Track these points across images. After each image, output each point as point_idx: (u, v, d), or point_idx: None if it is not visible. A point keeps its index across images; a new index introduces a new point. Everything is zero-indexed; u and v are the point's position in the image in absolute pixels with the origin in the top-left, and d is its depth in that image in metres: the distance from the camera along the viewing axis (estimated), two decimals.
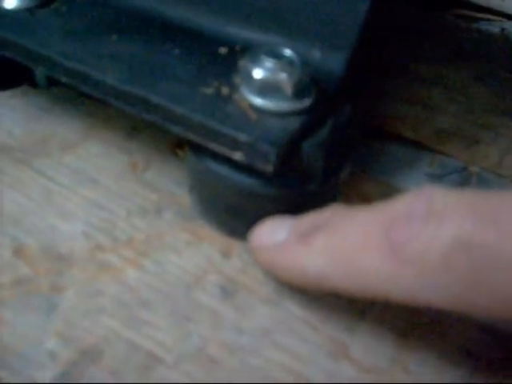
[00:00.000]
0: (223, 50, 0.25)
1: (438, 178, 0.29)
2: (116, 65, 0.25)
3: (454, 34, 0.36)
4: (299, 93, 0.22)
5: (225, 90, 0.23)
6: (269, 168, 0.21)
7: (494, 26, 0.37)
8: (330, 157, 0.23)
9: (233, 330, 0.22)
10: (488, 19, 0.37)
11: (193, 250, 0.24)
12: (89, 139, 0.29)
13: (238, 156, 0.22)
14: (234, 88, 0.23)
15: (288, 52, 0.23)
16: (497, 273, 0.17)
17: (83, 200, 0.26)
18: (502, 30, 0.37)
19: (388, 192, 0.27)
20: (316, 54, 0.24)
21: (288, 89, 0.22)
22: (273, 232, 0.22)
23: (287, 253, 0.21)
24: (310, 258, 0.20)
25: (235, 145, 0.22)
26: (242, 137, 0.21)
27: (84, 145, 0.29)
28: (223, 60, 0.25)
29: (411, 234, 0.18)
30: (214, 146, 0.22)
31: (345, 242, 0.20)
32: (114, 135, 0.29)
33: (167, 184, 0.27)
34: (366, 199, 0.27)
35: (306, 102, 0.23)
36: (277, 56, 0.22)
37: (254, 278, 0.24)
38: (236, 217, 0.24)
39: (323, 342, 0.22)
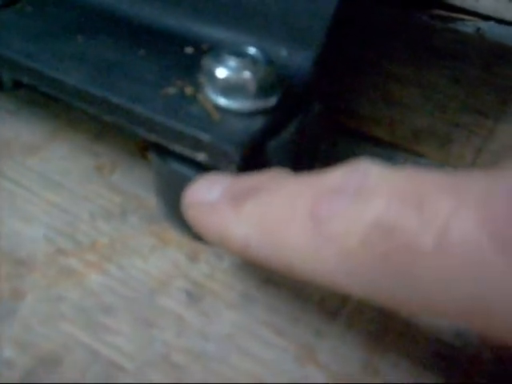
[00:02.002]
0: (189, 50, 0.25)
1: None
2: (79, 65, 0.24)
3: (429, 33, 0.36)
4: (264, 92, 0.22)
5: (188, 90, 0.23)
6: (233, 169, 0.21)
7: (469, 26, 0.37)
8: (297, 156, 0.22)
9: (198, 336, 0.21)
10: (463, 19, 0.37)
11: (158, 255, 0.24)
12: (54, 142, 0.28)
13: (201, 157, 0.21)
14: (198, 88, 0.23)
15: (252, 50, 0.22)
16: (414, 264, 0.15)
17: (46, 203, 0.25)
18: (477, 29, 0.36)
19: None
20: (283, 53, 0.24)
21: (252, 88, 0.22)
22: (207, 189, 0.21)
23: (215, 214, 0.20)
24: (236, 223, 0.19)
25: (198, 145, 0.21)
26: (205, 137, 0.21)
27: (49, 147, 0.28)
28: (188, 60, 0.24)
29: (336, 210, 0.16)
30: (176, 147, 0.22)
31: (272, 211, 0.18)
32: (81, 138, 0.28)
33: (134, 187, 0.26)
34: None
35: (271, 101, 0.22)
36: (240, 54, 0.22)
37: (221, 283, 0.23)
38: None
39: (290, 347, 0.21)
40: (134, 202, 0.26)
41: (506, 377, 0.21)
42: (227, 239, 0.19)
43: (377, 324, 0.22)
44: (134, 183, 0.26)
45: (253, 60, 0.22)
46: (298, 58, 0.24)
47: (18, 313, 0.22)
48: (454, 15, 0.36)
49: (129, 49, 0.25)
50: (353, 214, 0.16)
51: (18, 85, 0.30)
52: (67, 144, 0.28)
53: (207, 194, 0.20)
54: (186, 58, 0.24)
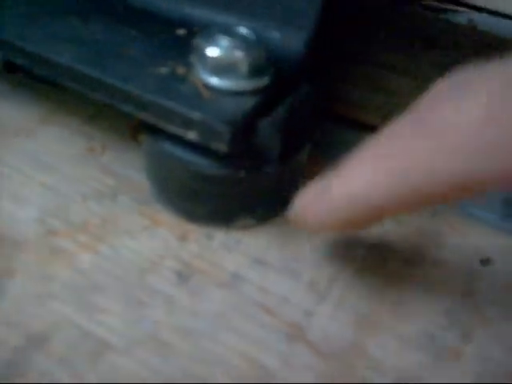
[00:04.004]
0: (181, 32, 0.25)
1: None
2: (72, 46, 0.24)
3: (421, 24, 0.36)
4: (255, 72, 0.22)
5: (180, 70, 0.23)
6: (223, 147, 0.21)
7: (462, 17, 0.37)
8: (288, 137, 0.22)
9: (187, 314, 0.21)
10: (456, 10, 0.37)
11: (149, 235, 0.24)
12: (47, 124, 0.28)
13: (191, 135, 0.21)
14: (189, 67, 0.23)
15: (244, 30, 0.22)
16: None
17: (38, 185, 0.25)
18: (470, 20, 0.36)
19: None
20: (275, 35, 0.24)
21: (243, 67, 0.22)
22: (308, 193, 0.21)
23: (325, 193, 0.20)
24: (349, 181, 0.19)
25: (189, 124, 0.21)
26: (196, 115, 0.21)
27: (42, 130, 0.28)
28: (181, 41, 0.24)
29: (443, 109, 0.18)
30: (167, 126, 0.22)
31: (380, 150, 0.19)
32: (73, 120, 0.28)
33: (125, 168, 0.26)
34: None
35: (263, 81, 0.22)
36: (232, 34, 0.22)
37: (211, 263, 0.23)
38: (193, 200, 0.23)
39: (279, 325, 0.21)
40: (126, 183, 0.26)
41: (495, 358, 0.21)
42: (351, 199, 0.19)
43: (365, 305, 0.22)
44: (126, 165, 0.26)
45: (244, 40, 0.22)
46: (291, 40, 0.24)
47: (9, 292, 0.22)
48: (447, 6, 0.36)
49: (122, 30, 0.25)
50: (463, 105, 0.17)
51: (10, 68, 0.30)
52: (59, 126, 0.28)
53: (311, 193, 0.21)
54: (179, 40, 0.25)
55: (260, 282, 0.23)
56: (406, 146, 0.18)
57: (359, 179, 0.19)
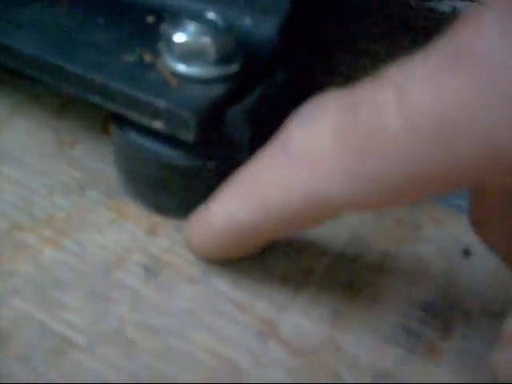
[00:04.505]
0: (150, 19, 0.24)
1: None
2: (36, 34, 0.23)
3: (405, 12, 0.35)
4: (224, 58, 0.21)
5: (148, 57, 0.22)
6: (189, 136, 0.20)
7: (446, 6, 0.36)
8: (260, 126, 0.21)
9: (155, 310, 0.21)
10: None
11: (116, 229, 0.23)
12: (14, 117, 0.27)
13: (158, 125, 0.20)
14: (157, 55, 0.22)
15: (212, 15, 0.21)
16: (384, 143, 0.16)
17: (4, 179, 0.24)
18: (454, 9, 0.36)
19: None
20: (247, 20, 0.23)
21: (212, 54, 0.21)
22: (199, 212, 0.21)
23: (202, 220, 0.21)
24: (217, 208, 0.20)
25: (155, 113, 0.20)
26: (161, 104, 0.20)
27: (9, 123, 0.27)
28: (149, 28, 0.24)
29: (297, 133, 0.18)
30: (134, 116, 0.21)
31: (243, 178, 0.19)
32: (42, 113, 0.27)
33: (94, 161, 0.25)
34: None
35: (232, 68, 0.21)
36: (200, 20, 0.21)
37: (181, 257, 0.22)
38: (162, 192, 0.22)
39: (251, 322, 0.21)
40: (94, 176, 0.25)
41: (473, 352, 0.21)
42: (235, 226, 0.20)
43: (341, 299, 0.22)
44: (95, 158, 0.25)
45: (213, 25, 0.21)
46: (263, 26, 0.23)
47: None
48: None
49: (88, 17, 0.24)
50: (313, 128, 0.17)
51: None
52: (27, 119, 0.27)
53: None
54: (147, 27, 0.24)
55: (232, 277, 0.22)
56: (267, 175, 0.19)
57: (232, 207, 0.20)
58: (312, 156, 0.17)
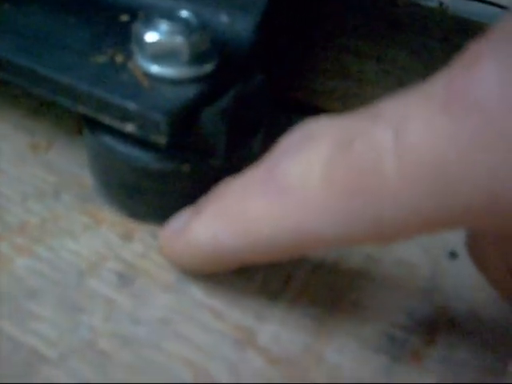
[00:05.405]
0: (124, 18, 0.23)
1: None
2: (4, 34, 0.23)
3: (391, 7, 0.35)
4: (198, 58, 0.20)
5: (119, 58, 0.21)
6: (162, 140, 0.19)
7: (432, 1, 0.35)
8: (236, 128, 0.21)
9: (128, 320, 0.20)
10: None
11: (90, 234, 0.22)
12: None
13: (129, 128, 0.20)
14: (129, 55, 0.21)
15: (185, 14, 0.21)
16: (379, 187, 0.15)
17: None
18: (440, 4, 0.35)
19: None
20: (223, 19, 0.22)
21: (184, 53, 0.20)
22: (176, 220, 0.21)
23: (181, 233, 0.20)
24: (200, 227, 0.19)
25: (125, 116, 0.20)
26: (132, 106, 0.19)
27: None
28: (123, 28, 0.23)
29: (287, 163, 0.17)
30: (105, 119, 0.20)
31: (230, 201, 0.19)
32: (16, 116, 0.27)
33: (70, 165, 0.25)
34: None
35: (206, 69, 0.21)
36: (173, 18, 0.20)
37: (156, 264, 0.21)
38: (136, 197, 0.22)
39: (229, 330, 0.20)
40: (69, 180, 0.24)
41: (459, 358, 0.20)
42: (198, 247, 0.19)
43: (322, 306, 0.21)
44: (71, 162, 0.25)
45: (186, 24, 0.20)
46: (239, 25, 0.22)
47: None
48: None
49: (59, 17, 0.23)
50: (304, 160, 0.17)
51: None
52: (2, 122, 0.26)
53: (175, 223, 0.21)
54: (120, 26, 0.23)
55: (208, 283, 0.21)
56: (254, 202, 0.18)
57: (216, 229, 0.19)
58: (302, 191, 0.16)
